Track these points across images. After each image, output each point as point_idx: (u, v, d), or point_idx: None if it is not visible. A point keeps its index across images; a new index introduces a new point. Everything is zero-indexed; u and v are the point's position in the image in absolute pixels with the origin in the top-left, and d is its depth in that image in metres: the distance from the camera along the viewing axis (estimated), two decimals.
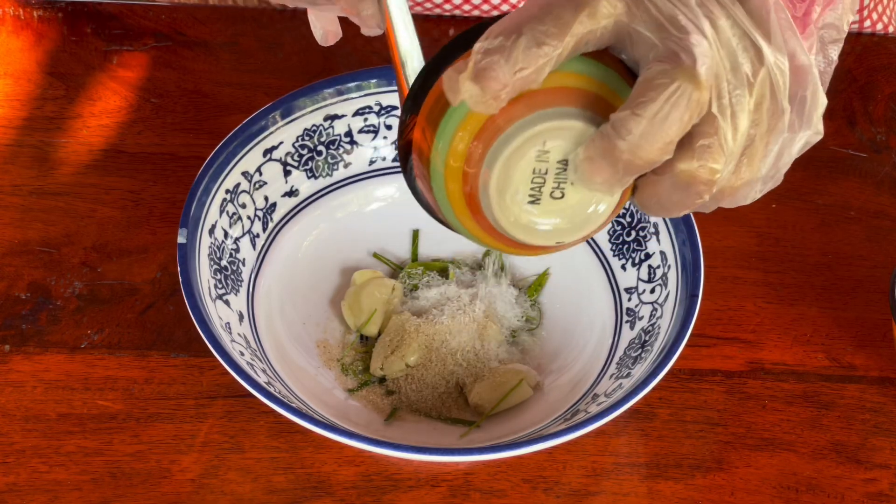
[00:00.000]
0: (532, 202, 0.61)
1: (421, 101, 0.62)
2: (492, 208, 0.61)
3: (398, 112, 0.87)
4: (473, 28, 0.61)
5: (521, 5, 0.59)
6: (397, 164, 0.88)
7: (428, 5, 1.00)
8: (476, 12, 1.01)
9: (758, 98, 0.60)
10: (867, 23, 1.02)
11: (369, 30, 0.66)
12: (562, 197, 0.61)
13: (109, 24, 0.99)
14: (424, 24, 1.00)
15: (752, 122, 0.60)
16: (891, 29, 1.03)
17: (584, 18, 0.58)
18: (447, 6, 1.00)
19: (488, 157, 0.60)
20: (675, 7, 0.59)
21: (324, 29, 0.72)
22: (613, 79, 0.61)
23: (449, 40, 0.61)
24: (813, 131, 0.63)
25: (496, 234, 0.63)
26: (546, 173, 0.60)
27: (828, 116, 0.96)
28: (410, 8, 0.99)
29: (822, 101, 0.63)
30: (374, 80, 0.86)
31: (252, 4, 1.01)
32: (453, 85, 0.58)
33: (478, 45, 0.58)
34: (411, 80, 0.67)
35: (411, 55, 0.67)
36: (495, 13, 1.00)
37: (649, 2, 0.59)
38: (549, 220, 0.62)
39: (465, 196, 0.62)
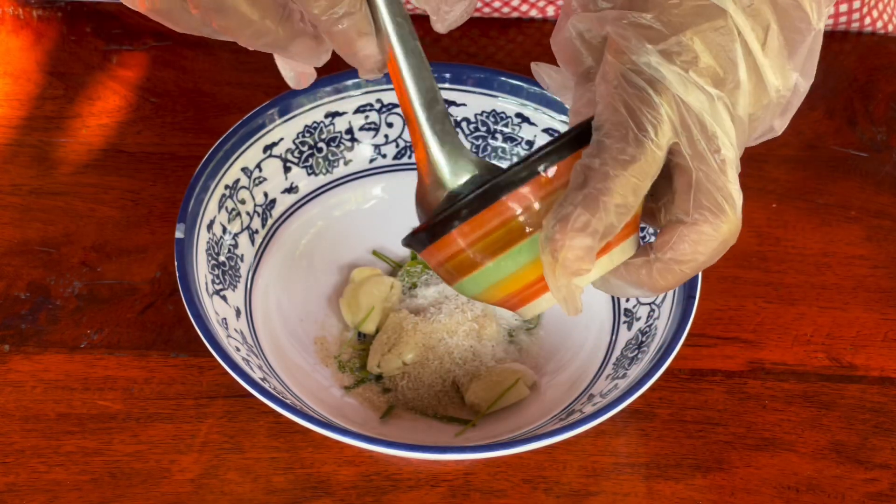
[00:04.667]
0: None
1: (474, 214, 0.61)
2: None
3: (398, 110, 0.87)
4: (538, 151, 0.61)
5: (585, 163, 0.60)
6: (397, 161, 0.88)
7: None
8: (477, 14, 1.00)
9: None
10: (867, 20, 1.02)
11: (368, 73, 0.63)
12: None
13: (109, 24, 0.99)
14: (425, 23, 1.00)
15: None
16: (890, 28, 1.03)
17: (653, 173, 0.60)
18: None
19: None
20: (713, 137, 0.60)
21: (295, 71, 0.68)
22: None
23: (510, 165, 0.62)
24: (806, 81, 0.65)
25: (507, 307, 0.65)
26: None
27: (828, 116, 0.96)
28: (412, 10, 0.99)
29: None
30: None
31: None
32: (562, 293, 0.59)
33: (570, 238, 0.58)
34: (427, 122, 0.64)
35: (429, 99, 0.63)
36: (506, 9, 1.00)
37: (695, 126, 0.60)
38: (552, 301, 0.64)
39: (497, 302, 0.64)
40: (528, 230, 0.61)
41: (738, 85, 0.61)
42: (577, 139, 0.61)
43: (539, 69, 0.69)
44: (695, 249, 0.61)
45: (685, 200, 0.61)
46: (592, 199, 0.58)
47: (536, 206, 0.61)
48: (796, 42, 0.63)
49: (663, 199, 0.62)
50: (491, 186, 0.61)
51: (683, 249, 0.61)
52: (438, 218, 0.62)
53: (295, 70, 0.68)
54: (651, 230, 0.81)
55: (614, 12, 0.62)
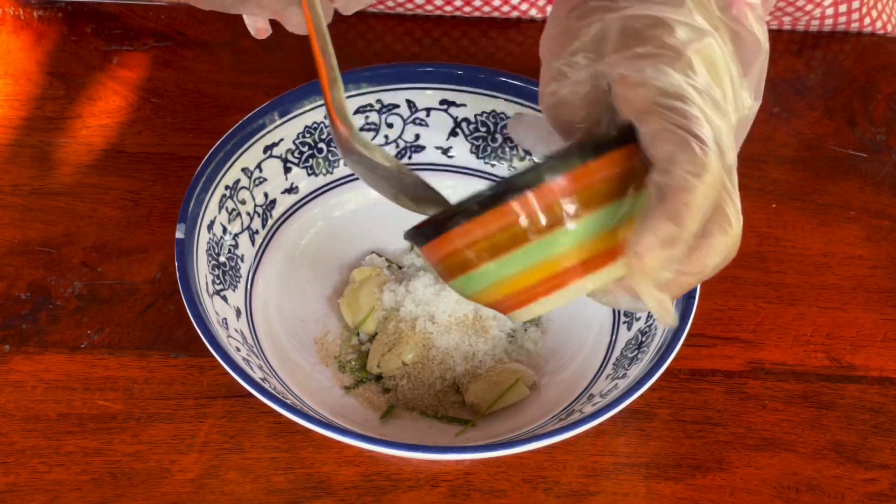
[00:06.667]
0: None
1: (480, 213, 0.62)
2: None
3: (398, 111, 0.87)
4: (547, 160, 0.62)
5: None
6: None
7: (429, 7, 1.00)
8: (477, 14, 1.00)
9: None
10: (867, 21, 1.02)
11: (295, 29, 0.70)
12: None
13: (109, 24, 0.99)
14: (424, 24, 1.00)
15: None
16: (890, 28, 1.03)
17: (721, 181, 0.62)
18: (447, 7, 1.00)
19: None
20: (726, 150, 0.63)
21: (254, 26, 0.75)
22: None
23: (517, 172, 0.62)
24: (756, 102, 0.68)
25: (499, 310, 0.66)
26: None
27: (828, 116, 0.96)
28: (410, 10, 1.00)
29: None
30: (369, 80, 0.86)
31: None
32: (657, 304, 0.62)
33: (657, 247, 0.60)
34: (332, 100, 0.69)
35: (335, 80, 0.69)
36: (506, 8, 1.00)
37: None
38: (550, 305, 0.65)
39: (491, 304, 0.65)
40: (531, 236, 0.61)
41: (726, 95, 0.64)
42: (581, 150, 0.62)
43: (516, 129, 0.76)
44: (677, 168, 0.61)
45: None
46: (676, 210, 0.60)
47: (540, 213, 0.61)
48: (748, 62, 0.66)
49: None
50: (500, 189, 0.61)
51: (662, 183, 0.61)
52: (445, 214, 0.62)
53: (255, 25, 0.74)
54: None
55: (612, 55, 0.64)
